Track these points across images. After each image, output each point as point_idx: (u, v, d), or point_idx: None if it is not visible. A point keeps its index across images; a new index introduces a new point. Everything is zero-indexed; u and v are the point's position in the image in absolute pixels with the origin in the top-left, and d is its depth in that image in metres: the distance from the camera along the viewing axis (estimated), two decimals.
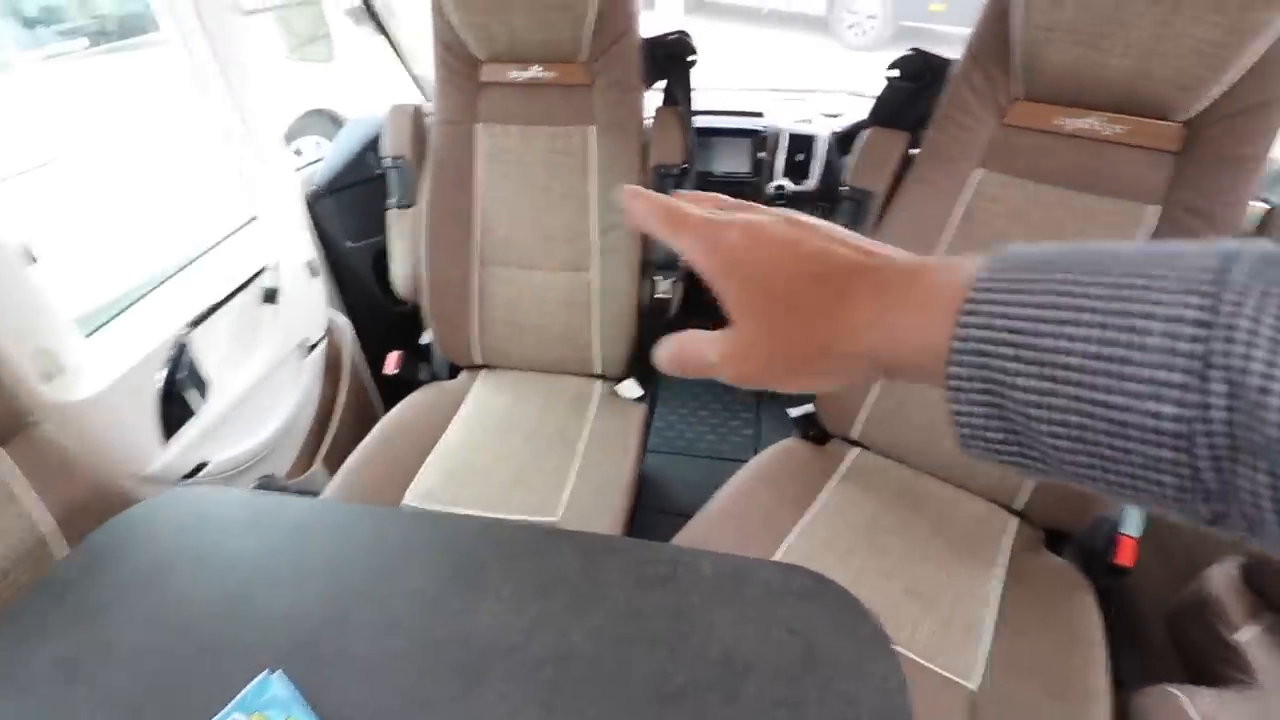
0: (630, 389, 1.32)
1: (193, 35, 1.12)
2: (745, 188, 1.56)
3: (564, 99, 1.23)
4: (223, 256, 1.28)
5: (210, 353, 1.16)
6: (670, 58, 1.20)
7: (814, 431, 1.22)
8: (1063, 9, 0.87)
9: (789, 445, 1.19)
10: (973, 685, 0.83)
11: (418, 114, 1.31)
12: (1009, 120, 0.99)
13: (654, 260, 1.25)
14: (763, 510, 1.04)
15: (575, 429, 1.24)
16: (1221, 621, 0.90)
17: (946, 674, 0.83)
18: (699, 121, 1.55)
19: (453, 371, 1.45)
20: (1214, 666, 0.88)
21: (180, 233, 1.58)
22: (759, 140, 1.54)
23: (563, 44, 1.17)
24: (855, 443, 1.19)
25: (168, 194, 2.25)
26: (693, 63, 1.21)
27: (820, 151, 1.51)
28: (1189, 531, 1.19)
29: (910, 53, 1.09)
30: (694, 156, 1.21)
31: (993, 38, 0.97)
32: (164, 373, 1.05)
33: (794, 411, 1.24)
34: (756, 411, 1.88)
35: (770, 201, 1.53)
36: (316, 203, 1.58)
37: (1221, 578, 0.93)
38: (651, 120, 1.24)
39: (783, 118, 1.56)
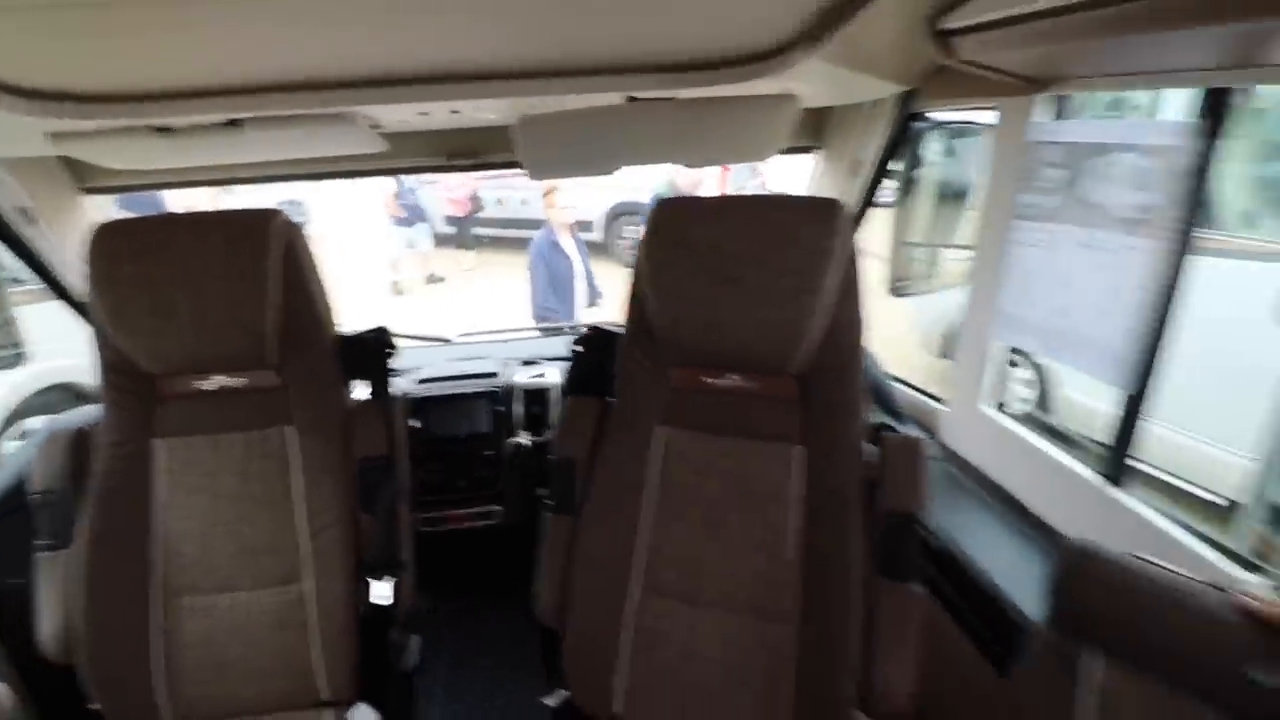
0: (364, 716, 1.12)
1: None
2: (486, 446, 1.55)
3: (257, 403, 1.16)
4: None
5: None
6: (367, 354, 1.21)
7: (574, 717, 1.10)
8: (678, 304, 1.03)
9: None
10: None
11: (79, 439, 1.15)
12: (674, 383, 1.11)
13: (368, 560, 1.14)
14: None
15: None
16: None
17: None
18: (433, 391, 1.57)
19: None
20: None
21: None
22: (495, 397, 1.57)
23: (245, 355, 1.13)
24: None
25: None
26: (390, 355, 1.23)
27: (555, 401, 1.58)
28: None
29: (588, 330, 1.21)
30: (396, 445, 1.18)
31: (638, 322, 1.10)
32: None
33: (549, 699, 1.12)
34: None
35: (511, 458, 1.53)
36: None
37: None
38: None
39: (517, 375, 1.62)
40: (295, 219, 1.14)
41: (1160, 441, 2.56)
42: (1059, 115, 1.21)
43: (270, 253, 1.08)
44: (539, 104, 1.20)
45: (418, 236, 6.74)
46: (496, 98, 1.02)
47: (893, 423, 1.52)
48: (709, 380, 1.08)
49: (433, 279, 7.07)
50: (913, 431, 1.54)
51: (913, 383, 1.69)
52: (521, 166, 1.38)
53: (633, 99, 1.18)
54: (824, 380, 1.02)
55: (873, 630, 0.94)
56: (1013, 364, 3.47)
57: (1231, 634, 0.68)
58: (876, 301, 1.09)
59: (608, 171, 1.45)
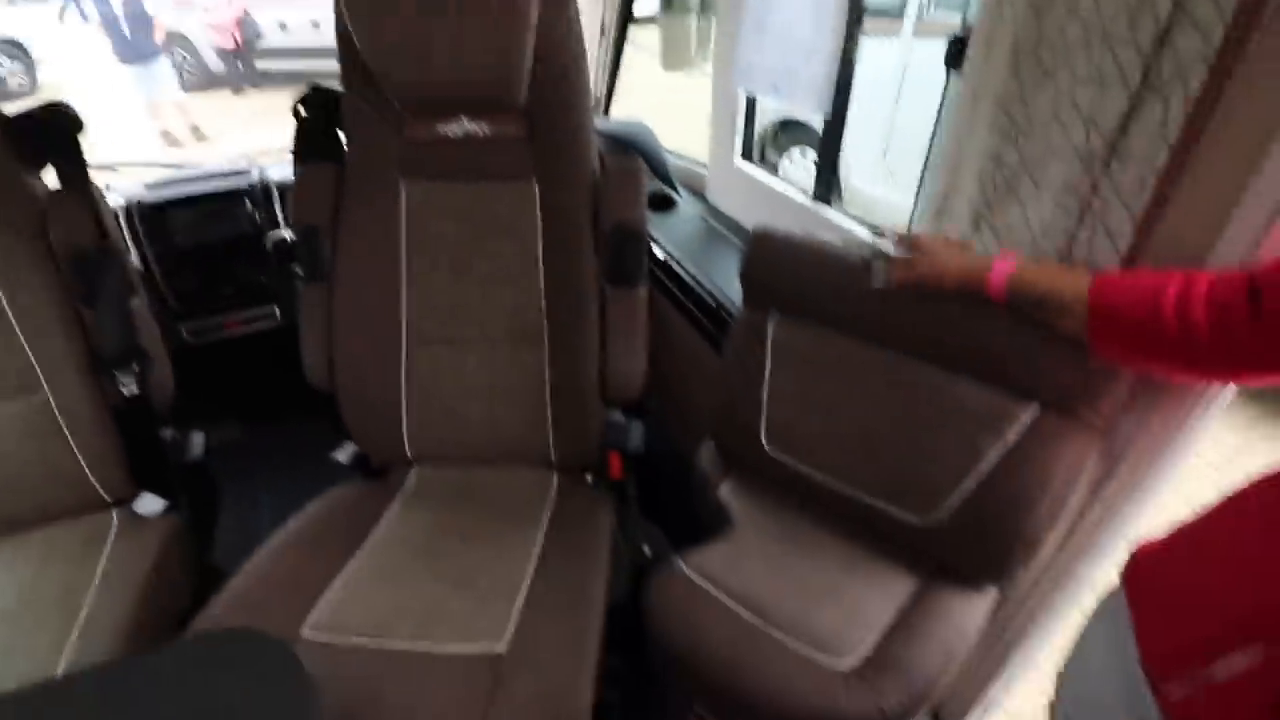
0: (150, 504, 1.13)
1: None
2: (248, 246, 1.46)
3: None
4: None
5: None
6: (47, 135, 1.05)
7: (368, 467, 1.18)
8: (383, 41, 0.98)
9: (336, 492, 1.13)
10: (501, 648, 0.86)
11: None
12: (409, 137, 1.08)
13: (105, 355, 1.07)
14: (291, 573, 0.96)
15: (84, 579, 1.00)
16: (710, 486, 1.08)
17: (471, 650, 0.86)
18: (172, 194, 1.42)
19: None
20: (712, 522, 1.06)
21: None
22: (252, 197, 1.45)
23: None
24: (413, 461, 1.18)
25: None
26: (77, 133, 1.07)
27: None
28: (694, 416, 1.43)
29: (309, 90, 1.12)
30: (109, 232, 1.07)
31: (352, 65, 1.04)
32: None
33: (339, 454, 1.18)
34: None
35: (275, 255, 1.46)
36: None
37: (705, 453, 1.14)
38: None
39: (272, 170, 1.50)
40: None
41: (868, 197, 3.09)
42: None
43: None
44: None
45: (154, 76, 5.38)
46: None
47: (667, 190, 1.62)
48: (443, 130, 1.07)
49: (199, 134, 5.93)
50: (684, 196, 1.66)
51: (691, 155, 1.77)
52: None
53: None
54: (549, 115, 1.05)
55: (607, 331, 1.07)
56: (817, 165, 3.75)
57: (859, 273, 0.85)
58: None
59: None
